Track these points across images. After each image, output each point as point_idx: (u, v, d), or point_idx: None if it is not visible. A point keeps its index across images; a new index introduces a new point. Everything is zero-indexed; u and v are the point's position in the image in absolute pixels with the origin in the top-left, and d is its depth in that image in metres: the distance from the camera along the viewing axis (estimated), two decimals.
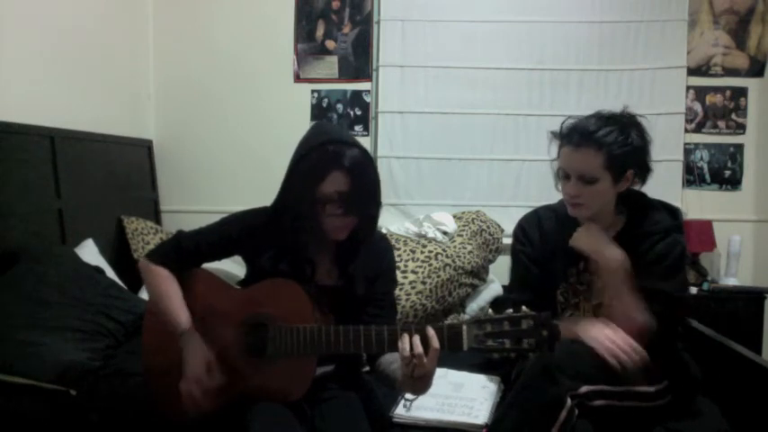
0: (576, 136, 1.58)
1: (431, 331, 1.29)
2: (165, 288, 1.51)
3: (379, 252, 1.59)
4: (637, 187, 1.70)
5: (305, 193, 1.42)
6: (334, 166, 1.39)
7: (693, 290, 2.89)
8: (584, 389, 1.47)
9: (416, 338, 1.28)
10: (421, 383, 1.32)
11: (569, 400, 1.43)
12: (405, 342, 1.28)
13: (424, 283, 2.47)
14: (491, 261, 2.78)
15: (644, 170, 1.65)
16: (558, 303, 1.74)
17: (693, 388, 1.69)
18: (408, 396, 1.41)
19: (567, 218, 1.75)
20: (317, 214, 1.42)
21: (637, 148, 1.60)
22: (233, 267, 2.34)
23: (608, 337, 1.50)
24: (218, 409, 1.45)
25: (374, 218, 1.52)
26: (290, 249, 1.51)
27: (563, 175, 1.64)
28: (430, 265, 2.51)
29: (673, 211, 1.72)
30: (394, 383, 1.44)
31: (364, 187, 1.42)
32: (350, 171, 1.39)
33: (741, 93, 3.15)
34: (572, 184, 1.60)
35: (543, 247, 1.76)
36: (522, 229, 1.81)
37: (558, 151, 1.64)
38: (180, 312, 1.48)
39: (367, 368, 1.63)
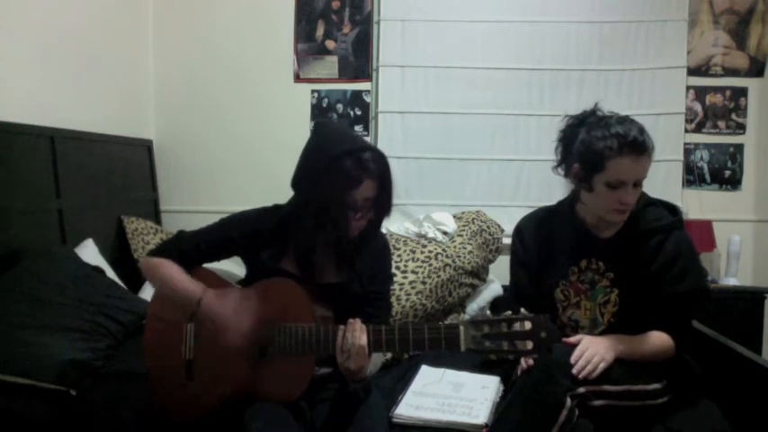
0: (637, 145, 1.55)
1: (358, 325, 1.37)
2: (169, 272, 1.52)
3: (378, 250, 1.60)
4: None
5: (336, 197, 1.44)
6: (368, 174, 1.44)
7: None
8: (583, 389, 1.47)
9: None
10: (351, 373, 1.38)
11: (569, 401, 1.44)
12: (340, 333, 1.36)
13: (424, 283, 2.47)
14: (491, 261, 2.78)
15: None
16: (559, 302, 1.75)
17: (694, 387, 1.69)
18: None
19: (566, 217, 1.76)
20: (346, 219, 1.46)
21: None
22: (233, 267, 2.34)
23: (588, 350, 1.53)
24: (218, 409, 1.45)
25: (382, 219, 1.56)
26: (296, 249, 1.52)
27: (612, 185, 1.58)
28: (430, 265, 2.51)
29: (671, 208, 1.74)
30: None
31: (387, 193, 1.49)
32: (379, 178, 1.46)
33: (741, 93, 3.15)
34: (630, 193, 1.59)
35: (541, 247, 1.78)
36: (517, 232, 1.85)
37: (600, 160, 1.57)
38: (190, 285, 1.49)
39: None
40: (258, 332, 1.43)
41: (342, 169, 1.43)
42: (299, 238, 1.51)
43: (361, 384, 1.46)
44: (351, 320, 1.37)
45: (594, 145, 1.57)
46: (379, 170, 1.46)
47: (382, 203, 1.50)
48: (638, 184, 1.60)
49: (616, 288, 1.68)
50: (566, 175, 1.72)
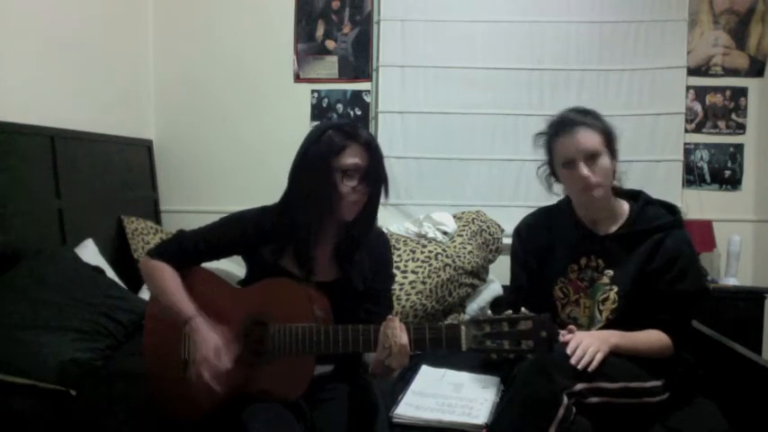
0: (567, 122, 1.66)
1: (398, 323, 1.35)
2: (167, 283, 1.52)
3: (378, 248, 1.61)
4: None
5: (324, 166, 1.46)
6: (353, 139, 1.47)
7: None
8: (579, 386, 1.47)
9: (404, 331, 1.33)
10: (388, 371, 1.37)
11: (566, 399, 1.44)
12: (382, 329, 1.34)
13: (424, 283, 2.47)
14: (491, 261, 2.78)
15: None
16: (558, 299, 1.75)
17: (693, 387, 1.69)
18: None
19: (565, 215, 1.78)
20: (336, 186, 1.46)
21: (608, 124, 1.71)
22: (233, 267, 2.34)
23: (583, 341, 1.53)
24: (218, 409, 1.45)
25: (377, 203, 1.56)
26: (292, 243, 1.52)
27: (566, 166, 1.65)
28: (430, 265, 2.52)
29: (670, 208, 1.75)
30: (368, 368, 1.48)
31: (378, 164, 1.50)
32: (366, 146, 1.48)
33: (741, 93, 3.15)
34: (582, 167, 1.63)
35: (541, 246, 1.79)
36: (516, 232, 1.87)
37: (550, 150, 1.70)
38: (184, 302, 1.49)
39: None
40: (221, 381, 1.41)
41: (327, 139, 1.47)
42: (293, 225, 1.50)
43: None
44: (389, 317, 1.36)
45: (544, 138, 1.72)
46: (367, 139, 1.48)
47: (375, 177, 1.49)
48: (592, 158, 1.62)
49: (615, 286, 1.68)
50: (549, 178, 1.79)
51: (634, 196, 1.76)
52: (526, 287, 1.80)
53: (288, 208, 1.52)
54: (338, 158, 1.46)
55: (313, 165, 1.48)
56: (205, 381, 1.39)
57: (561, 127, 1.66)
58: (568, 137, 1.64)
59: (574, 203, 1.77)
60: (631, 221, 1.71)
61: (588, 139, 1.63)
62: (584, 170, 1.62)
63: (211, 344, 1.41)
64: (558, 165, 1.68)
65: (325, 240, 1.56)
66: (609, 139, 1.66)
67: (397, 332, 1.32)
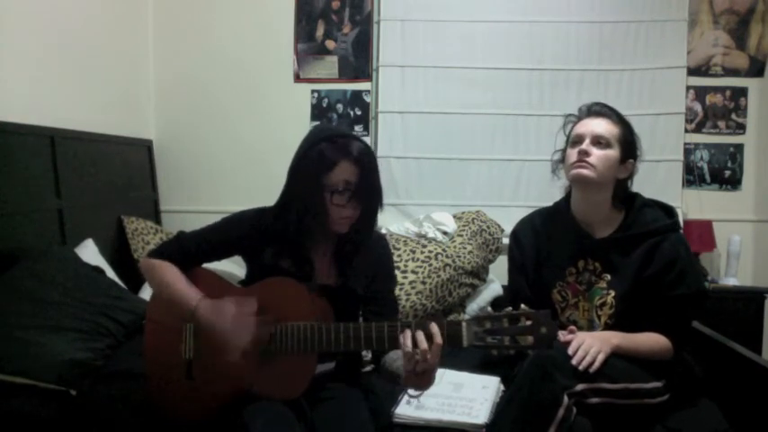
0: (597, 108, 1.73)
1: (434, 327, 1.29)
2: (168, 276, 1.51)
3: (378, 251, 1.60)
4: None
5: (313, 182, 1.44)
6: (343, 155, 1.43)
7: None
8: (580, 387, 1.47)
9: (419, 334, 1.30)
10: (424, 379, 1.33)
11: (566, 399, 1.44)
12: (407, 338, 1.30)
13: (424, 283, 2.47)
14: (491, 261, 2.78)
15: (633, 172, 1.75)
16: (557, 303, 1.75)
17: (694, 387, 1.69)
18: (412, 392, 1.43)
19: (563, 217, 1.77)
20: (324, 204, 1.45)
21: (637, 144, 1.73)
22: (233, 267, 2.34)
23: (584, 342, 1.52)
24: (218, 408, 1.45)
25: (375, 213, 1.54)
26: (291, 246, 1.51)
27: (574, 142, 1.70)
28: (430, 265, 2.52)
29: (668, 210, 1.74)
30: (398, 380, 1.45)
31: (370, 179, 1.46)
32: (357, 162, 1.44)
33: (741, 93, 3.15)
34: (585, 144, 1.67)
35: (539, 249, 1.78)
36: (513, 236, 1.86)
37: (572, 129, 1.74)
38: (188, 290, 1.48)
39: (368, 368, 1.64)
40: (256, 338, 1.41)
41: (318, 152, 1.45)
42: (288, 233, 1.50)
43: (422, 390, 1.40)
44: (431, 322, 1.32)
45: (571, 122, 1.78)
46: (358, 154, 1.44)
47: (367, 192, 1.47)
48: (600, 144, 1.66)
49: (612, 290, 1.68)
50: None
51: (630, 199, 1.75)
52: (524, 293, 1.79)
53: (283, 212, 1.52)
54: (328, 176, 1.43)
55: (303, 179, 1.46)
56: (237, 357, 1.38)
57: (587, 112, 1.74)
58: (588, 120, 1.71)
59: (576, 207, 1.75)
60: (627, 225, 1.70)
61: (604, 126, 1.68)
62: (586, 146, 1.66)
63: (228, 315, 1.41)
64: (568, 145, 1.73)
65: (323, 245, 1.56)
66: (625, 140, 1.69)
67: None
